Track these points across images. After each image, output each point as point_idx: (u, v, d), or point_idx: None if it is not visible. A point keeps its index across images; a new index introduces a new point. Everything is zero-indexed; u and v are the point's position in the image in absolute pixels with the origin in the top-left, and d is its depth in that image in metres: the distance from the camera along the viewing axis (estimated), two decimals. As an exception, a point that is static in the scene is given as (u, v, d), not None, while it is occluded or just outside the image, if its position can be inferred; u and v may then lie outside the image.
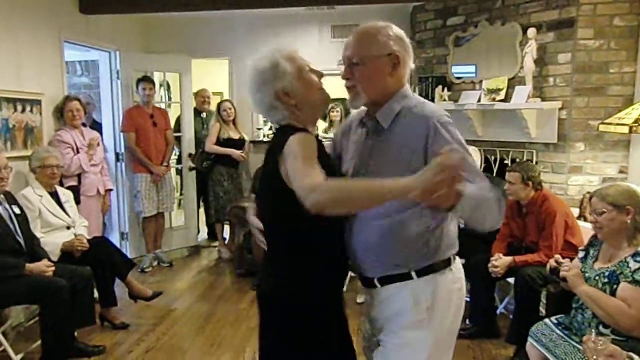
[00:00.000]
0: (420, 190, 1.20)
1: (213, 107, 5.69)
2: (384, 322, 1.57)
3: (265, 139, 5.61)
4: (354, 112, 1.68)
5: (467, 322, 3.56)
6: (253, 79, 1.56)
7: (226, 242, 5.26)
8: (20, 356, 2.91)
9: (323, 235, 1.52)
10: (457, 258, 1.61)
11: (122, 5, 4.34)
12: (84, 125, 4.33)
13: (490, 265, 3.17)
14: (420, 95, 4.43)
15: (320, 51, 5.28)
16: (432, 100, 4.36)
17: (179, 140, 5.37)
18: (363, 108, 1.59)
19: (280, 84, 1.52)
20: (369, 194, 1.31)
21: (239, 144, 5.14)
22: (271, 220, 1.59)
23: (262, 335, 1.64)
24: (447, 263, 1.54)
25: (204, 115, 5.67)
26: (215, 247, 5.54)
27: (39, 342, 2.97)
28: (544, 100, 3.67)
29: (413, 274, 1.50)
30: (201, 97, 5.68)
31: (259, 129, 5.69)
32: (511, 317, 3.32)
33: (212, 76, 6.55)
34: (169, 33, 5.58)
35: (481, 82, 4.14)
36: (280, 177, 1.44)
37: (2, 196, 3.02)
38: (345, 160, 1.63)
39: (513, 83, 3.88)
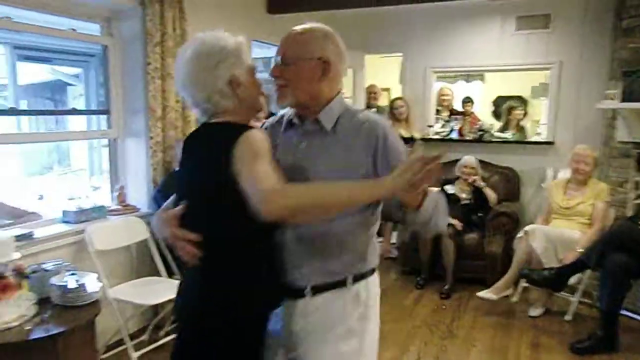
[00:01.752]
0: (402, 187, 1.20)
1: (380, 102, 5.76)
2: (306, 335, 1.46)
3: (435, 137, 5.43)
4: (287, 110, 1.57)
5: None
6: (210, 54, 1.40)
7: (392, 240, 5.18)
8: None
9: (267, 247, 1.41)
10: None
11: (310, 3, 4.48)
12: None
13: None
14: (623, 92, 3.89)
15: (502, 45, 4.90)
16: None
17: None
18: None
19: (238, 70, 1.43)
20: (341, 197, 1.25)
21: (408, 142, 5.04)
22: (211, 230, 1.37)
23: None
24: (374, 269, 1.55)
25: (373, 110, 5.72)
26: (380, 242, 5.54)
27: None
28: None
29: (350, 279, 1.46)
30: (369, 92, 5.76)
31: (430, 126, 5.52)
32: None
33: (378, 71, 6.41)
34: (346, 29, 5.60)
35: None
36: (228, 183, 1.26)
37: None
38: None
39: None
